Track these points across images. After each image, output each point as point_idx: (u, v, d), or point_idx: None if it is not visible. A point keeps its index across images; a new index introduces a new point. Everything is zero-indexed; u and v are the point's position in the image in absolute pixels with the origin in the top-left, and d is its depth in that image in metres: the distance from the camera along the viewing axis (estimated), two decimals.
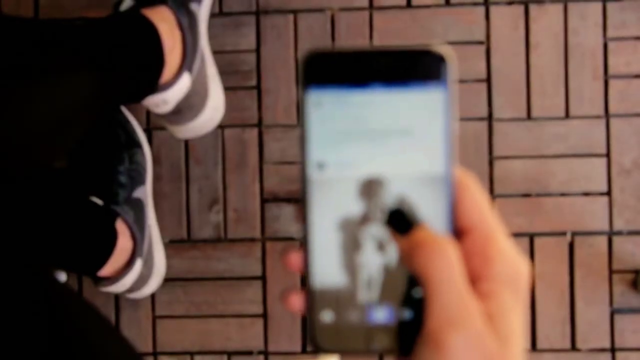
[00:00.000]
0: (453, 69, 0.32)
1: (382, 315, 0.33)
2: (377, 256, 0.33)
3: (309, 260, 0.33)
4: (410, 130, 0.33)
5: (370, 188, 0.33)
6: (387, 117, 0.33)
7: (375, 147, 0.33)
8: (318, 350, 0.33)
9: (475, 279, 0.32)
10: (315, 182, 0.33)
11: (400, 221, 0.32)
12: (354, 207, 0.33)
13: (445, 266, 0.31)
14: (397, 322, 0.33)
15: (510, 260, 0.32)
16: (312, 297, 0.33)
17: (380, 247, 0.33)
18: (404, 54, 0.33)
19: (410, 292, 0.33)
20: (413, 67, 0.32)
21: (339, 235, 0.33)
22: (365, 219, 0.33)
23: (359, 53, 0.33)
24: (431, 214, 0.33)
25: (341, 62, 0.33)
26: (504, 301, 0.31)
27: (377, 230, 0.33)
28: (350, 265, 0.33)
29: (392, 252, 0.33)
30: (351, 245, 0.33)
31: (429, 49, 0.32)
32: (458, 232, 0.33)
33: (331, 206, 0.33)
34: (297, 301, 0.33)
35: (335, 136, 0.33)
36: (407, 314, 0.33)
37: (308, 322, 0.33)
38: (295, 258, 0.34)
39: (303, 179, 0.33)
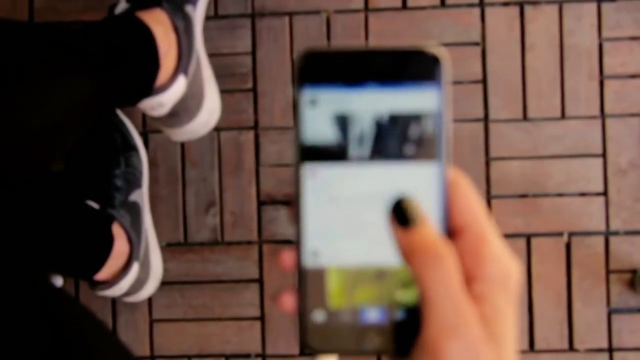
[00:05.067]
0: (447, 70, 0.33)
1: (374, 315, 0.33)
2: None
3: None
4: (404, 130, 0.33)
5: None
6: (380, 117, 0.33)
7: (367, 149, 0.33)
8: (309, 349, 0.33)
9: (468, 280, 0.32)
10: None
11: (403, 213, 0.32)
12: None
13: (443, 276, 0.31)
14: (389, 322, 0.33)
15: (501, 261, 0.32)
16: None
17: None
18: (398, 54, 0.33)
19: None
20: (407, 68, 0.32)
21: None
22: None
23: (354, 52, 0.33)
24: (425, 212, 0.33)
25: (336, 61, 0.33)
26: (498, 303, 0.31)
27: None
28: None
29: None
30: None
31: (423, 50, 0.33)
32: (451, 232, 0.33)
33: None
34: (289, 301, 0.33)
35: (327, 137, 0.33)
36: (399, 314, 0.33)
37: (299, 320, 0.33)
38: (288, 257, 0.34)
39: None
